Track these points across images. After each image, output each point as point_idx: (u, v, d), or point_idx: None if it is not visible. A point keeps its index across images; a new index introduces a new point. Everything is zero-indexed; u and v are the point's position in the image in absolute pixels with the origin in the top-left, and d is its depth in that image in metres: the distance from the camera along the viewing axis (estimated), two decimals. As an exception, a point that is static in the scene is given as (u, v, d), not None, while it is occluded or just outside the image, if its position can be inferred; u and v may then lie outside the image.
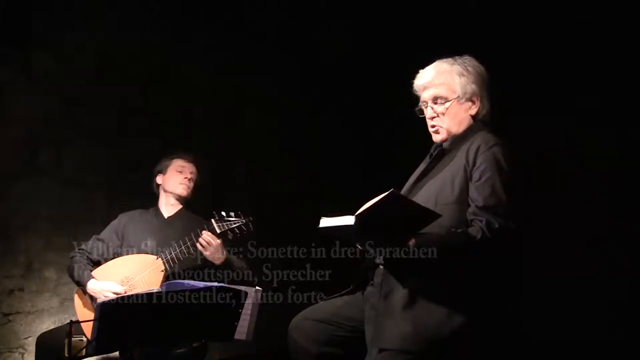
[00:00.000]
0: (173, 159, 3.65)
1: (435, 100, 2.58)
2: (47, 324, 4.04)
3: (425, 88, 2.60)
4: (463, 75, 2.55)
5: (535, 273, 3.41)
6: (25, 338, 4.02)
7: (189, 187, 3.62)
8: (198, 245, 3.30)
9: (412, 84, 2.65)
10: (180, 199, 3.63)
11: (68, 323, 2.53)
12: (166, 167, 3.65)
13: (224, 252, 3.34)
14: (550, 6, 3.89)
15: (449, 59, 2.60)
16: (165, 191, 3.64)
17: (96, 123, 4.22)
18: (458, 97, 2.55)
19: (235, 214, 3.37)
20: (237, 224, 3.35)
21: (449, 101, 2.56)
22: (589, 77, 3.71)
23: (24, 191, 4.04)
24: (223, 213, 3.36)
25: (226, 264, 3.36)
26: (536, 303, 3.36)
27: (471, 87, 2.56)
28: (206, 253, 3.31)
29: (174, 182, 3.61)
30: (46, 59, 4.08)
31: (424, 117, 2.64)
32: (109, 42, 4.23)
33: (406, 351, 2.33)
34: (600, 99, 3.69)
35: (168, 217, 3.61)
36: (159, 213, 3.62)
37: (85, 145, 4.20)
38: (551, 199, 3.62)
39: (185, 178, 3.61)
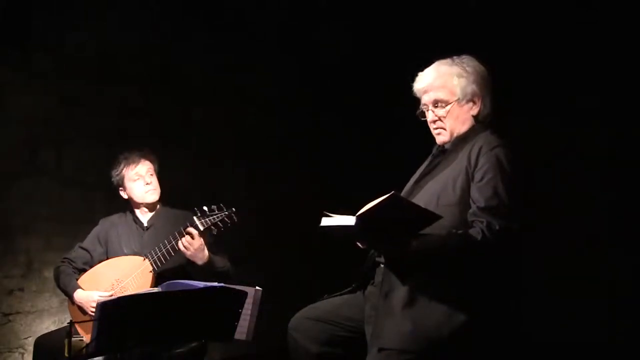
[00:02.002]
0: (123, 169, 3.44)
1: (435, 103, 2.56)
2: (47, 324, 4.05)
3: (425, 91, 2.58)
4: (462, 76, 2.53)
5: (536, 273, 3.42)
6: (25, 338, 4.03)
7: (156, 189, 3.46)
8: (180, 245, 3.23)
9: (412, 84, 2.64)
10: (153, 203, 3.50)
11: (66, 325, 2.53)
12: (122, 180, 3.46)
13: (206, 253, 3.26)
14: (550, 6, 3.89)
15: (448, 60, 2.57)
16: (135, 202, 3.49)
17: (96, 123, 4.22)
18: (458, 99, 2.53)
19: (217, 207, 3.26)
20: (220, 217, 3.25)
21: (449, 104, 2.54)
22: (589, 77, 3.71)
23: (24, 191, 4.04)
24: (205, 208, 3.26)
25: (209, 264, 3.28)
26: (536, 303, 3.36)
27: (471, 88, 2.53)
28: (187, 253, 3.23)
29: (138, 192, 3.44)
30: (46, 59, 4.08)
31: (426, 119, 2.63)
32: (109, 42, 4.23)
33: (406, 351, 2.33)
34: (600, 99, 3.69)
35: (147, 221, 3.51)
36: (137, 219, 3.51)
37: (85, 145, 4.20)
38: (551, 199, 3.62)
39: (147, 184, 3.42)
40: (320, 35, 4.83)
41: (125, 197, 3.50)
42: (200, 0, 4.54)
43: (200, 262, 3.27)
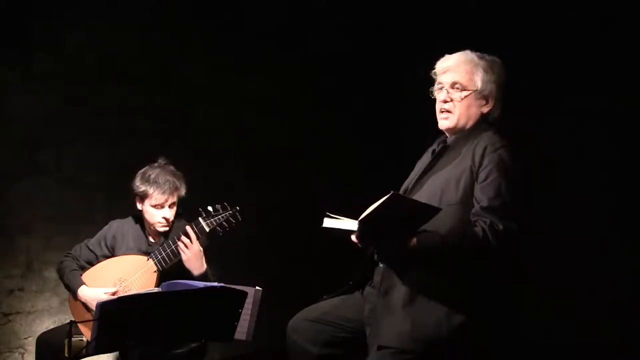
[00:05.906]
0: (150, 192, 3.27)
1: (453, 84, 2.56)
2: (47, 324, 4.04)
3: (446, 71, 2.58)
4: (487, 72, 2.55)
5: (536, 273, 3.41)
6: (25, 338, 4.03)
7: (168, 224, 3.33)
8: (179, 244, 3.19)
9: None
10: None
11: (68, 323, 2.53)
12: (143, 196, 3.30)
13: (204, 264, 3.22)
14: (550, 6, 3.89)
15: (478, 53, 2.59)
16: (146, 220, 3.39)
17: (96, 123, 4.22)
18: (476, 90, 2.54)
19: (221, 207, 3.25)
20: (225, 217, 3.24)
21: (467, 90, 2.54)
22: (589, 77, 3.71)
23: (24, 191, 4.04)
24: (210, 208, 3.24)
25: (204, 277, 3.20)
26: (536, 303, 3.36)
27: (491, 86, 2.55)
28: (184, 257, 3.19)
29: (153, 219, 3.32)
30: (46, 59, 4.08)
31: (432, 109, 2.62)
32: (110, 42, 4.23)
33: (405, 350, 2.33)
34: (600, 99, 3.69)
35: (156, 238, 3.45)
36: (147, 235, 3.43)
37: (85, 145, 4.20)
38: (551, 199, 3.62)
39: (164, 217, 3.29)
40: (320, 35, 4.83)
41: (139, 208, 3.37)
42: (200, 0, 4.54)
43: (196, 272, 3.22)
